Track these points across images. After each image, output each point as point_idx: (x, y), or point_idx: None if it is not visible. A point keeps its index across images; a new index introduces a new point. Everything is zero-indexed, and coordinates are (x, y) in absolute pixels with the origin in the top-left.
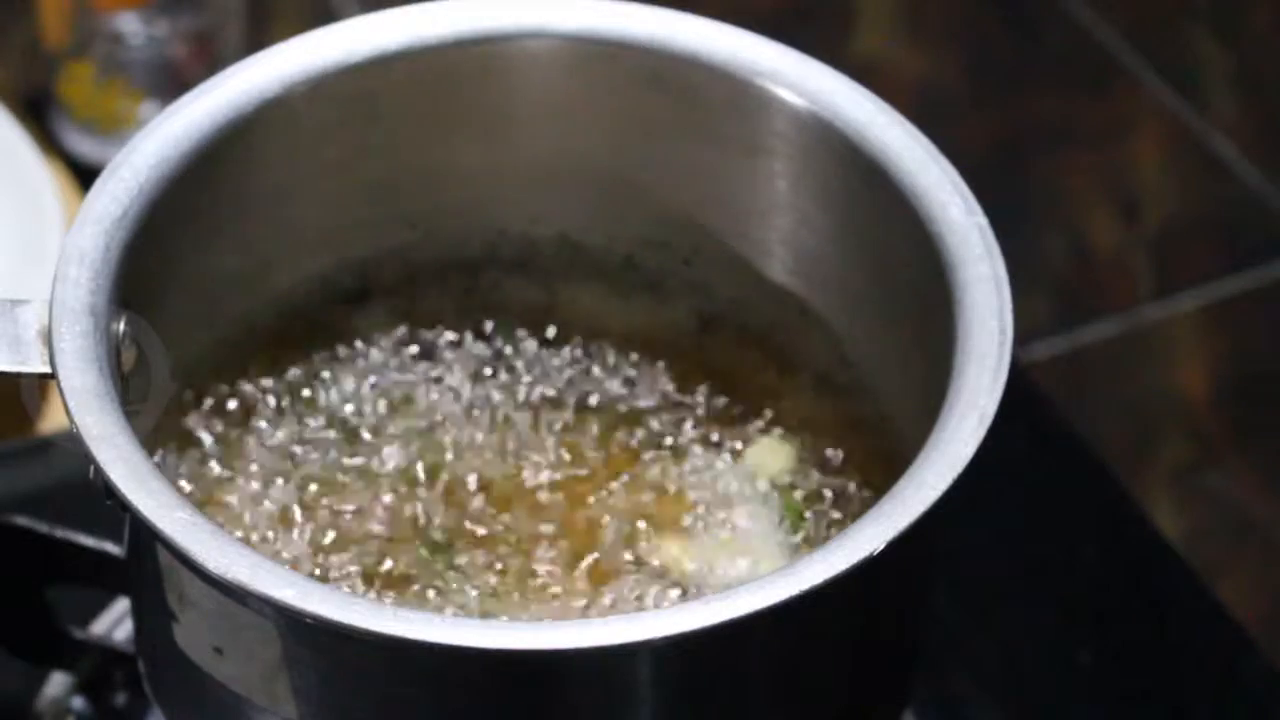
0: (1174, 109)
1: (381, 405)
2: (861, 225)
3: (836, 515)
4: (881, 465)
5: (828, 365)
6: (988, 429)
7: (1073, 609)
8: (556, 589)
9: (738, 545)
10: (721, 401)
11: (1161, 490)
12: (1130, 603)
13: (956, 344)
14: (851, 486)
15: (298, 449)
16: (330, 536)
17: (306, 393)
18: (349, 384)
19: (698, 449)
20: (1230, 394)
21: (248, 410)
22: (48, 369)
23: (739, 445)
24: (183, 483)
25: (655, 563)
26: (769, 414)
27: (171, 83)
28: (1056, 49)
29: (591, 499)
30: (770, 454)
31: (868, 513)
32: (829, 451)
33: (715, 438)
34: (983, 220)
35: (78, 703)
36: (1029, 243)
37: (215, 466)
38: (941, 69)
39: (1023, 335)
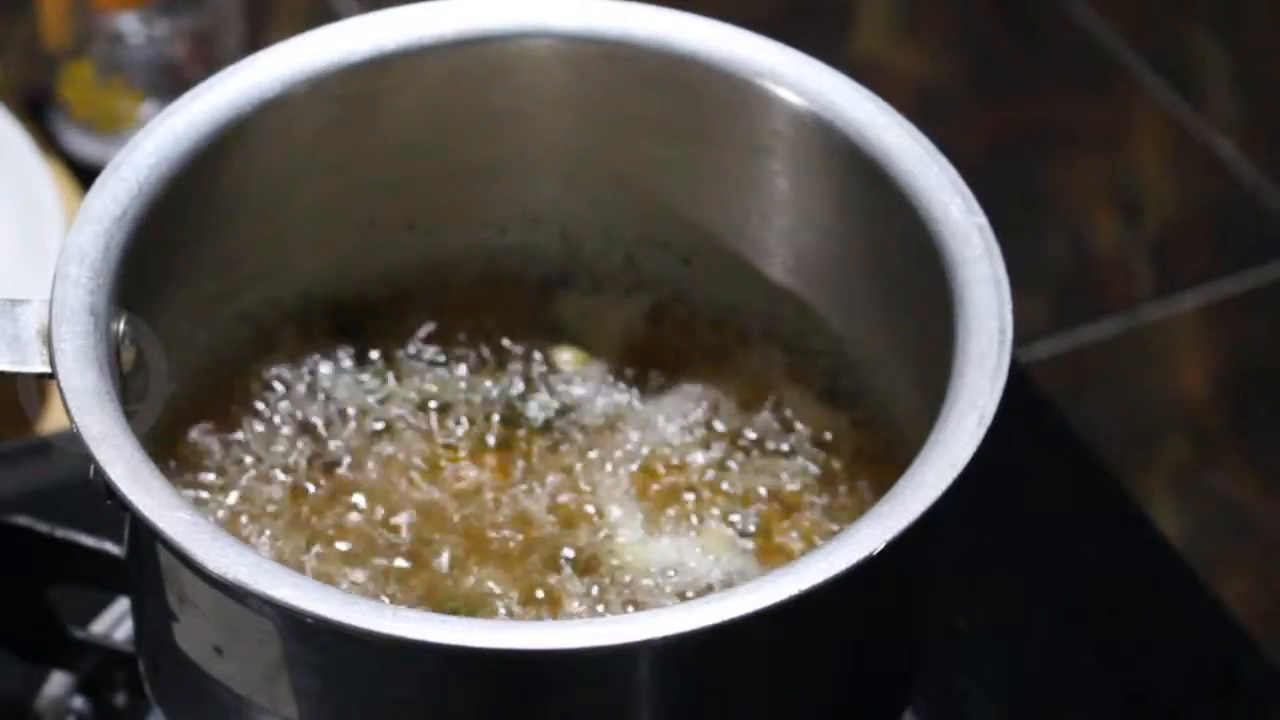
0: (1174, 109)
1: (381, 405)
2: (861, 225)
3: (836, 514)
4: (881, 465)
5: (827, 365)
6: (987, 429)
7: (1073, 609)
8: (558, 590)
9: (738, 541)
10: (721, 401)
11: (1161, 490)
12: (1130, 603)
13: (956, 344)
14: (851, 486)
15: (296, 450)
16: (323, 539)
17: (305, 393)
18: (348, 384)
19: (696, 448)
20: (1230, 394)
21: (246, 411)
22: (47, 369)
23: (738, 443)
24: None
25: (659, 558)
26: (769, 413)
27: (171, 83)
28: (1057, 49)
29: (591, 497)
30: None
31: (868, 513)
32: (828, 451)
33: (714, 436)
34: (982, 220)
35: (78, 702)
36: (1029, 243)
37: (212, 467)
38: (941, 69)
39: (1023, 335)
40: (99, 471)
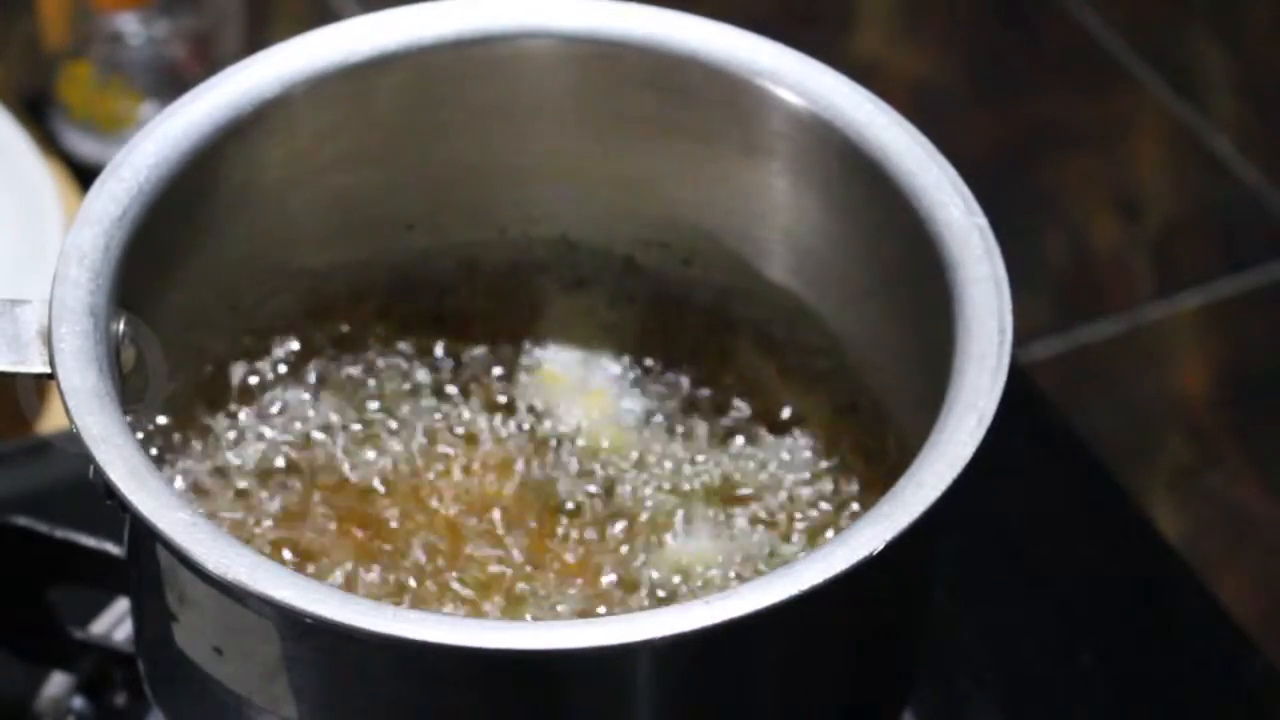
0: (1174, 109)
1: (380, 406)
2: (861, 225)
3: (836, 515)
4: (881, 465)
5: (827, 365)
6: (987, 429)
7: (1073, 609)
8: (556, 591)
9: (736, 542)
10: (721, 401)
11: (1161, 490)
12: (1130, 603)
13: (956, 344)
14: (850, 486)
15: (295, 450)
16: (320, 539)
17: (304, 392)
18: (347, 385)
19: (695, 447)
20: (1230, 394)
21: (245, 410)
22: (47, 369)
23: (737, 443)
24: (178, 482)
25: (662, 566)
26: (767, 413)
27: (171, 83)
28: (1056, 49)
29: (589, 496)
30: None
31: (868, 513)
32: (827, 451)
33: (713, 436)
34: (982, 220)
35: (78, 703)
36: (1029, 243)
37: (210, 466)
38: (941, 69)
39: (1023, 335)
40: (99, 471)
